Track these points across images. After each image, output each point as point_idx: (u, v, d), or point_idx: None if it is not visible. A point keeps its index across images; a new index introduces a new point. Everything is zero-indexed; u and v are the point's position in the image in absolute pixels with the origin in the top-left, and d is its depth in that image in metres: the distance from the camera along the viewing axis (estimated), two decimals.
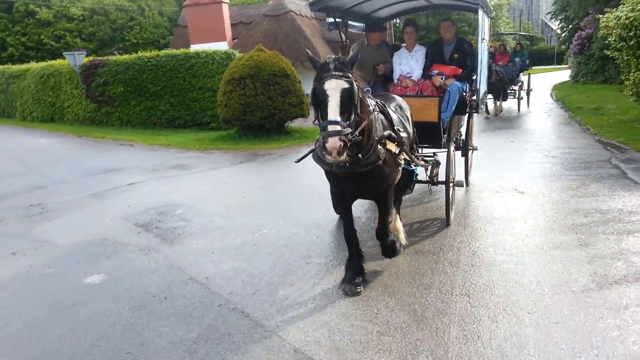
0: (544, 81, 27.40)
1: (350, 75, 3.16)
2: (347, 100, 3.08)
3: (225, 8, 26.52)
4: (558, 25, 32.80)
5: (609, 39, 10.74)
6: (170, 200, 6.66)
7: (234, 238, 5.14)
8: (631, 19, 9.35)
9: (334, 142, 2.93)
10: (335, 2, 5.47)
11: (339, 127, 2.99)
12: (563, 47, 36.13)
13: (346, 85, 3.09)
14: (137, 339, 3.33)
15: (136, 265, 4.58)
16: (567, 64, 37.24)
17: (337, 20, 5.79)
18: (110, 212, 6.28)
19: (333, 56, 3.27)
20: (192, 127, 14.31)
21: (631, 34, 9.43)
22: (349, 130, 3.05)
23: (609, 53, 11.67)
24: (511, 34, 22.84)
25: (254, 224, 5.51)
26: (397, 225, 4.60)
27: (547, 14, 52.86)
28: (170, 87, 14.36)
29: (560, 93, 20.06)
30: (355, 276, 3.81)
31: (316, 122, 3.22)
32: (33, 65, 18.36)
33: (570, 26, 27.52)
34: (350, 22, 6.12)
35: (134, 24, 41.70)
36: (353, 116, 3.13)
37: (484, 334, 3.15)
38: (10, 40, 38.59)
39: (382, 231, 4.06)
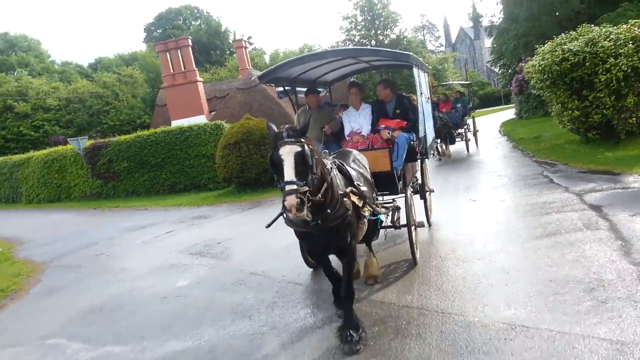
0: (493, 120, 30.67)
1: (302, 140, 3.43)
2: (301, 161, 3.32)
3: (200, 86, 29.22)
4: (499, 71, 36.82)
5: (531, 81, 13.43)
6: (207, 238, 8.48)
7: (269, 250, 6.96)
8: (543, 65, 12.01)
9: (291, 200, 3.18)
10: (283, 74, 5.85)
11: (294, 186, 3.23)
12: (506, 89, 40.10)
13: (299, 149, 3.34)
14: (234, 301, 5.14)
15: (207, 273, 6.38)
16: (513, 103, 41.16)
17: (286, 88, 6.28)
18: (164, 250, 8.04)
19: (287, 126, 3.55)
20: (192, 190, 16.13)
21: (545, 76, 12.05)
22: (305, 188, 3.28)
23: (534, 92, 14.37)
24: (450, 83, 24.77)
25: (281, 241, 7.11)
26: (373, 261, 5.05)
27: (487, 62, 58.01)
28: (169, 157, 16.29)
29: (506, 128, 22.94)
30: (351, 332, 3.75)
31: (278, 184, 3.43)
32: (35, 153, 20.04)
33: (509, 71, 31.17)
34: (297, 89, 6.60)
35: (110, 108, 43.90)
36: (310, 176, 3.37)
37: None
38: None
39: (347, 292, 3.96)
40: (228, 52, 61.24)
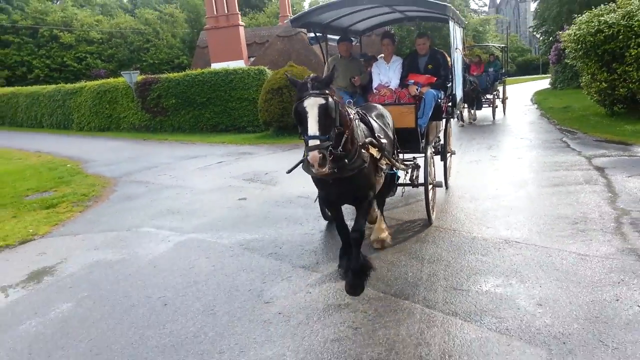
0: (528, 88, 30.77)
1: (326, 92, 3.42)
2: (325, 115, 3.34)
3: (241, 30, 29.88)
4: (540, 37, 36.37)
5: (567, 50, 13.94)
6: (255, 169, 9.72)
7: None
8: (578, 35, 12.52)
9: (314, 156, 3.24)
10: (316, 19, 5.84)
11: (318, 142, 3.28)
12: (544, 57, 39.58)
13: (322, 102, 3.35)
14: (287, 213, 6.39)
15: (260, 193, 7.65)
16: (550, 72, 40.68)
17: (317, 34, 6.21)
18: (219, 176, 9.33)
19: (312, 75, 3.59)
20: (232, 130, 17.32)
21: (579, 46, 12.59)
22: (328, 143, 3.33)
23: (568, 61, 14.84)
24: (486, 45, 23.00)
25: None
26: (382, 225, 4.96)
27: (529, 27, 56.55)
28: (213, 98, 17.43)
29: (539, 97, 23.29)
30: (355, 277, 3.86)
31: (301, 136, 3.47)
32: (88, 83, 21.48)
33: (549, 38, 30.90)
34: (329, 36, 6.54)
35: (150, 46, 45.09)
36: (333, 129, 3.40)
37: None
38: (36, 63, 41.71)
39: (357, 228, 4.00)
40: None
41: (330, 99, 3.40)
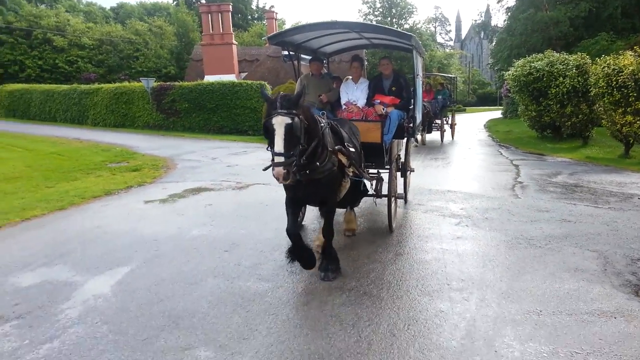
0: (484, 117, 35.34)
1: (294, 112, 3.67)
2: (290, 134, 3.61)
3: (234, 48, 33.26)
4: (496, 74, 41.39)
5: (507, 85, 18.01)
6: None
7: None
8: (516, 75, 16.54)
9: (278, 171, 3.58)
10: (289, 38, 6.30)
11: (282, 159, 3.58)
12: (499, 90, 44.71)
13: (289, 121, 3.62)
14: None
15: None
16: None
17: (290, 53, 6.66)
18: (249, 158, 12.56)
19: (281, 94, 3.80)
20: (235, 133, 20.53)
21: (516, 84, 16.62)
22: (292, 160, 3.64)
23: (510, 95, 18.92)
24: (434, 74, 23.95)
25: None
26: (352, 217, 5.83)
27: (487, 64, 62.38)
28: (221, 105, 20.66)
29: (490, 124, 27.68)
30: (329, 264, 4.54)
31: (268, 148, 3.75)
32: (105, 85, 24.31)
33: (501, 76, 35.67)
34: (302, 55, 6.98)
35: (139, 55, 47.72)
36: (297, 146, 3.70)
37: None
38: (28, 63, 43.65)
39: (327, 229, 4.54)
40: (250, 17, 64.71)
41: (296, 119, 3.68)
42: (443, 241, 5.68)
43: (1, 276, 4.77)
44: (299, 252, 4.32)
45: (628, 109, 11.10)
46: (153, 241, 5.76)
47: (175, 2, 61.64)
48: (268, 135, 3.71)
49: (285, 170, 3.57)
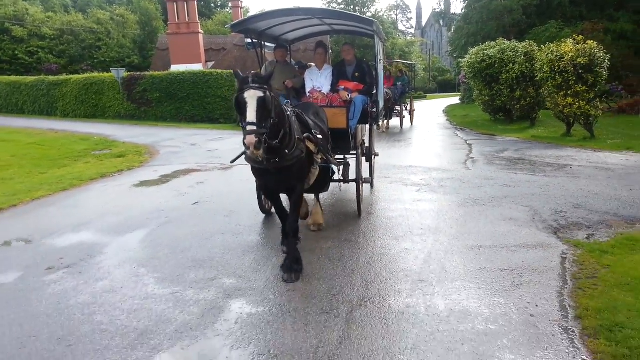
0: (443, 103, 37.07)
1: (265, 87, 3.82)
2: (262, 106, 3.74)
3: (200, 37, 33.58)
4: (454, 62, 43.17)
5: (463, 72, 19.40)
6: None
7: None
8: (470, 62, 17.91)
9: (250, 139, 3.64)
10: (252, 26, 6.25)
11: (254, 127, 3.67)
12: (457, 77, 46.63)
13: (261, 95, 3.75)
14: None
15: None
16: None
17: (254, 40, 6.62)
18: (226, 144, 13.43)
19: (252, 72, 3.94)
20: (207, 121, 21.23)
21: (470, 70, 17.99)
22: (264, 130, 3.75)
23: (466, 81, 20.34)
24: (394, 61, 24.02)
25: None
26: (318, 210, 5.70)
27: (446, 52, 64.44)
28: (192, 94, 21.29)
29: (448, 109, 29.29)
30: (293, 264, 4.38)
31: (240, 124, 3.87)
32: (74, 76, 24.48)
33: (459, 63, 37.37)
34: (265, 43, 7.01)
35: (102, 44, 47.09)
36: (269, 120, 3.82)
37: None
38: None
39: (292, 221, 4.56)
40: (213, 5, 64.46)
41: (268, 93, 3.82)
42: (406, 203, 6.84)
43: (36, 240, 5.61)
44: (280, 214, 4.81)
45: (569, 92, 12.53)
46: (161, 211, 6.68)
47: None
48: (240, 108, 3.80)
49: (257, 139, 3.65)
